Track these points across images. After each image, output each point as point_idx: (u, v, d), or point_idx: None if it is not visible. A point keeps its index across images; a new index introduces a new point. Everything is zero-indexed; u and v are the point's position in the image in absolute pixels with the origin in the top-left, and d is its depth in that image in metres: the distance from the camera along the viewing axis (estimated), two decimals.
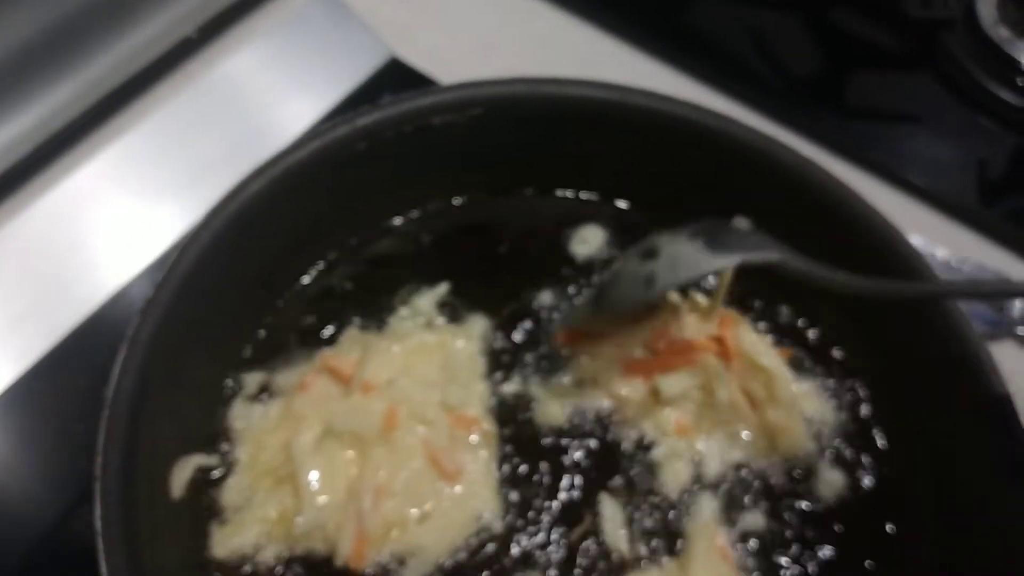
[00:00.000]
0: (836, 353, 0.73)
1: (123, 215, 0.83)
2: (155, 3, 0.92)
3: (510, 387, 0.70)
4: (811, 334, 0.74)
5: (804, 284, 0.60)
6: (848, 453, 0.68)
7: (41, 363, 0.73)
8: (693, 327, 0.70)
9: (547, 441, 0.68)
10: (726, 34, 1.07)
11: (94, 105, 0.88)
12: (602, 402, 0.69)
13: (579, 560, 0.63)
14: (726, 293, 0.68)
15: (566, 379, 0.70)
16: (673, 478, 0.66)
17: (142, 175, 0.85)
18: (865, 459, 0.68)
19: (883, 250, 0.67)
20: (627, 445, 0.68)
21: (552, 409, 0.68)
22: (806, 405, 0.69)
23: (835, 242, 0.67)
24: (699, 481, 0.66)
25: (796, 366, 0.71)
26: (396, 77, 0.97)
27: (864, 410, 0.70)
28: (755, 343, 0.68)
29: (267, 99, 0.94)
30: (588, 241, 0.78)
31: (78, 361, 0.73)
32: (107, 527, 0.51)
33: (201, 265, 0.62)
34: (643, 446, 0.68)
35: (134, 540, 0.53)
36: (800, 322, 0.74)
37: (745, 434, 0.67)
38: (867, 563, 0.64)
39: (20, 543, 0.65)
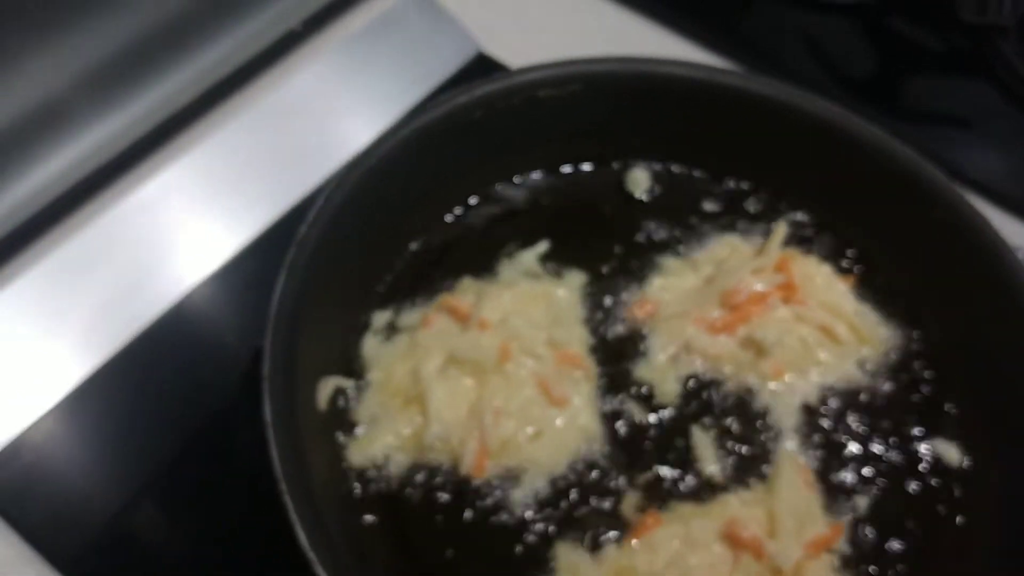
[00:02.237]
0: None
1: (209, 213, 0.87)
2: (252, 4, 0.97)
3: (609, 333, 0.76)
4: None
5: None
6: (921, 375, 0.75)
7: (114, 360, 0.77)
8: (760, 276, 0.77)
9: (641, 386, 0.74)
10: (783, 37, 1.12)
11: (181, 108, 0.93)
12: (697, 364, 0.76)
13: (672, 483, 0.69)
14: (783, 235, 0.77)
15: (662, 355, 0.75)
16: (781, 416, 0.72)
17: (228, 175, 0.89)
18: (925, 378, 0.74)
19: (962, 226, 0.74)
20: (730, 395, 0.74)
21: (667, 387, 0.74)
22: (872, 329, 0.76)
23: (899, 201, 0.76)
24: (800, 414, 0.73)
25: (861, 291, 0.79)
26: (483, 71, 1.03)
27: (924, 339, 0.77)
28: (815, 277, 0.76)
29: (355, 96, 0.99)
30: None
31: (150, 359, 0.78)
32: (275, 421, 0.59)
33: (341, 211, 0.70)
34: (747, 393, 0.74)
35: (296, 437, 0.61)
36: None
37: (826, 360, 0.74)
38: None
39: (79, 535, 0.69)
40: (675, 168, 0.87)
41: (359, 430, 0.70)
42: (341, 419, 0.70)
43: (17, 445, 0.73)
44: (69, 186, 0.86)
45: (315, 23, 1.05)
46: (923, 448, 0.72)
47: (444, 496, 0.67)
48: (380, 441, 0.68)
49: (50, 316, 0.79)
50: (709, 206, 0.85)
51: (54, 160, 0.84)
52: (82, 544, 0.69)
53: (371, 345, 0.74)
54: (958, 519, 0.69)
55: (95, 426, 0.75)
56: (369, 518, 0.66)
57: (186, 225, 0.87)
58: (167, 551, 0.71)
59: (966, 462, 0.71)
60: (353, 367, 0.73)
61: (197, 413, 0.76)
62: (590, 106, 0.82)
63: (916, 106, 1.07)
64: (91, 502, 0.71)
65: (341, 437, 0.69)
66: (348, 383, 0.71)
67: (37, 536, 0.69)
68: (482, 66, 1.04)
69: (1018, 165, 1.01)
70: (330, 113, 0.98)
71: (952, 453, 0.71)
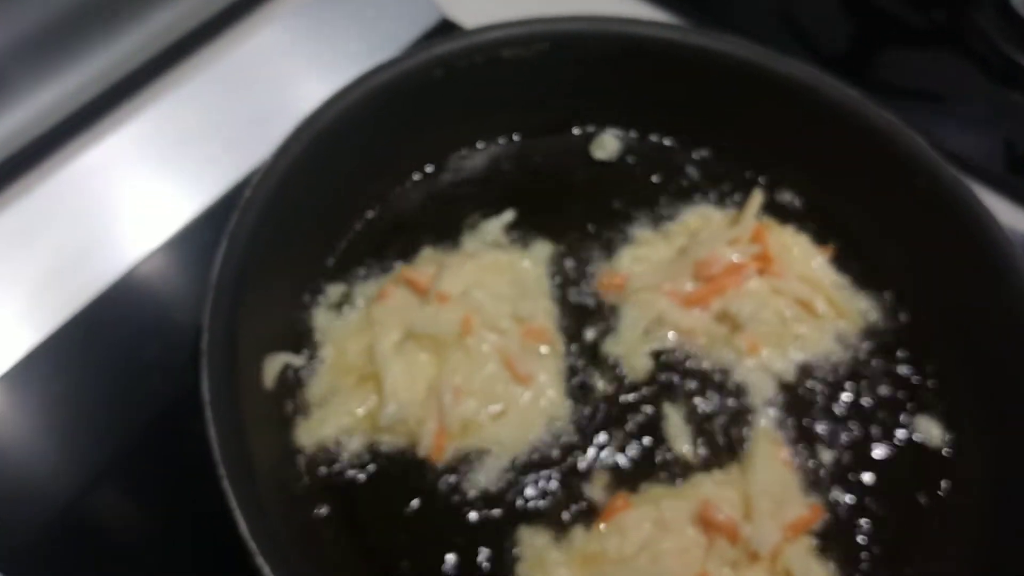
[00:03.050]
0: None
1: (160, 179, 0.83)
2: None
3: (577, 306, 0.72)
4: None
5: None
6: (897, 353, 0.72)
7: (62, 329, 0.73)
8: (735, 247, 0.73)
9: (610, 361, 0.70)
10: (755, 6, 1.09)
11: (132, 72, 0.88)
12: (669, 338, 0.72)
13: (643, 464, 0.66)
14: (758, 204, 0.73)
15: (632, 330, 0.71)
16: (757, 393, 0.69)
17: (181, 140, 0.85)
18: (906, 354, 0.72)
19: (937, 188, 0.71)
20: (704, 370, 0.71)
21: (638, 362, 0.70)
22: (850, 302, 0.73)
23: (876, 169, 0.73)
24: (776, 390, 0.69)
25: (839, 263, 0.76)
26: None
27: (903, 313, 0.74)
28: (792, 247, 0.72)
29: (314, 60, 0.95)
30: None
31: (98, 332, 0.74)
32: (214, 399, 0.54)
33: (289, 175, 0.65)
34: (721, 370, 0.71)
35: (237, 417, 0.56)
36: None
37: (804, 334, 0.70)
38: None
39: (37, 517, 0.65)
40: (646, 135, 0.83)
41: (309, 410, 0.65)
42: (290, 399, 0.66)
43: None
44: (12, 152, 0.81)
45: None
46: (904, 425, 0.69)
47: (400, 480, 0.63)
48: (332, 422, 0.64)
49: None
50: (681, 174, 0.81)
51: None
52: (23, 531, 0.65)
53: (323, 319, 0.69)
54: (940, 496, 0.66)
55: (39, 402, 0.70)
56: (319, 504, 0.62)
57: (136, 192, 0.82)
58: (115, 536, 0.67)
59: (948, 439, 0.68)
60: (303, 343, 0.68)
61: (147, 388, 0.72)
62: (557, 68, 0.78)
63: (890, 79, 1.05)
64: (35, 484, 0.67)
65: (289, 418, 0.64)
66: (298, 360, 0.67)
67: None
68: (446, 32, 0.99)
69: (993, 139, 0.99)
70: (287, 78, 0.93)
71: (934, 430, 0.69)
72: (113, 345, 0.74)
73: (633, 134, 0.82)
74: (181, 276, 0.80)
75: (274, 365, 0.65)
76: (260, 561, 0.49)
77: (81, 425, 0.70)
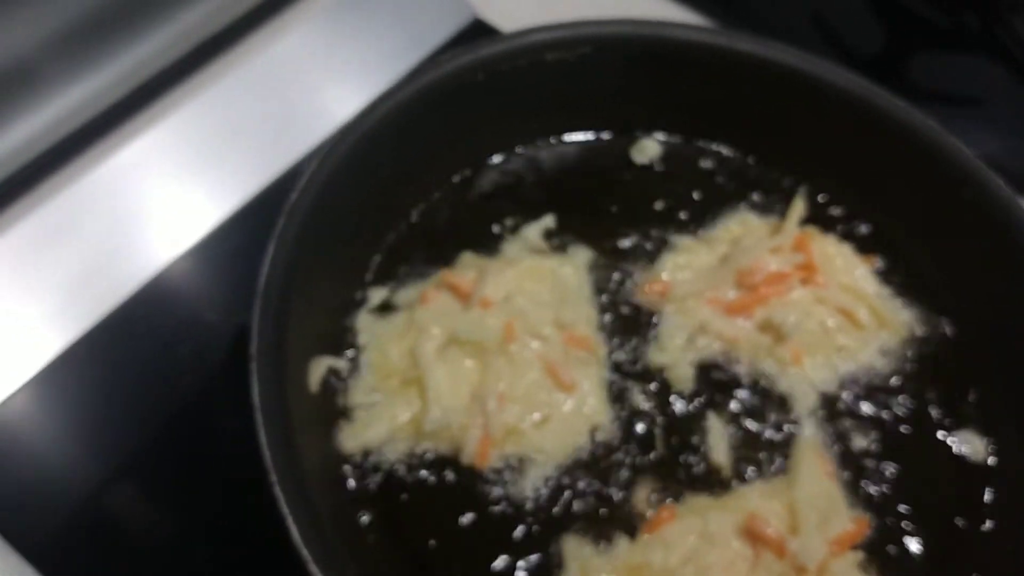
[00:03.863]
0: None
1: (191, 180, 0.83)
2: None
3: (619, 313, 0.72)
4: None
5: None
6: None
7: (91, 333, 0.73)
8: (777, 255, 0.72)
9: (653, 371, 0.70)
10: (788, 11, 1.08)
11: (162, 70, 0.88)
12: (712, 347, 0.71)
13: (687, 474, 0.65)
14: (800, 212, 0.73)
15: (675, 338, 0.71)
16: (801, 403, 0.68)
17: (212, 141, 0.85)
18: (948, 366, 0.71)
19: (982, 196, 0.70)
20: (746, 380, 0.70)
21: (681, 371, 0.70)
22: (894, 314, 0.73)
23: (921, 177, 0.73)
24: (819, 401, 0.69)
25: (882, 273, 0.75)
26: (479, 37, 0.99)
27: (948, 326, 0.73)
28: (835, 257, 0.72)
29: (346, 60, 0.95)
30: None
31: (128, 334, 0.74)
32: (264, 403, 0.54)
33: (334, 178, 0.65)
34: (764, 380, 0.70)
35: (286, 421, 0.55)
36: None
37: (847, 345, 0.70)
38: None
39: (65, 514, 0.65)
40: (687, 139, 0.82)
41: (353, 414, 0.64)
42: (333, 402, 0.65)
43: None
44: (42, 151, 0.81)
45: None
46: (947, 439, 0.68)
47: (444, 487, 0.63)
48: (375, 427, 0.64)
49: (22, 288, 0.74)
50: (722, 180, 0.80)
51: (25, 124, 0.79)
52: (52, 528, 0.65)
53: (366, 322, 0.69)
54: (983, 508, 0.66)
55: (69, 404, 0.70)
56: (364, 509, 0.61)
57: (166, 193, 0.82)
58: (141, 535, 0.66)
59: (991, 454, 0.68)
60: (347, 346, 0.68)
61: (176, 391, 0.72)
62: (599, 71, 0.77)
63: (923, 83, 1.04)
64: (63, 484, 0.67)
65: (333, 422, 0.64)
66: (341, 363, 0.66)
67: (5, 517, 0.65)
68: (478, 32, 0.99)
69: None
70: (319, 77, 0.93)
71: (976, 444, 0.68)
72: (142, 348, 0.74)
73: (674, 138, 0.82)
74: (211, 279, 0.80)
75: (319, 368, 0.64)
76: (313, 569, 0.48)
77: (109, 426, 0.70)
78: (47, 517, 0.65)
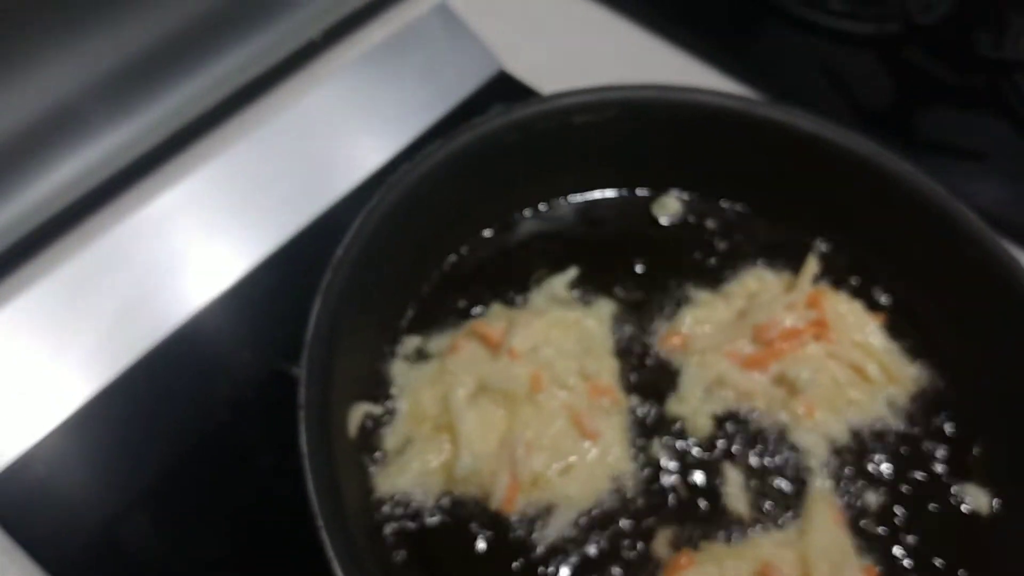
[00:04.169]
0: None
1: (221, 228, 0.85)
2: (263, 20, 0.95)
3: (640, 365, 0.76)
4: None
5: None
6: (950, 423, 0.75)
7: (121, 379, 0.75)
8: (792, 312, 0.76)
9: (675, 415, 0.73)
10: (798, 64, 1.12)
11: (194, 119, 0.91)
12: (729, 399, 0.75)
13: (704, 522, 0.68)
14: (814, 270, 0.77)
15: (694, 390, 0.74)
16: (813, 455, 0.72)
17: (242, 189, 0.88)
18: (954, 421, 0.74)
19: (989, 264, 0.74)
20: (762, 432, 0.73)
21: (699, 422, 0.73)
22: (901, 368, 0.76)
23: (931, 240, 0.76)
24: (830, 453, 0.72)
25: (891, 329, 0.79)
26: (504, 90, 1.02)
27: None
28: (846, 314, 0.76)
29: (373, 111, 0.97)
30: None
31: (159, 380, 0.76)
32: (312, 451, 0.57)
33: (376, 233, 0.69)
34: (778, 432, 0.73)
35: (331, 468, 0.59)
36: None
37: (857, 399, 0.74)
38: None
39: (89, 553, 0.67)
40: (706, 198, 0.86)
41: (388, 458, 0.68)
42: (369, 446, 0.69)
43: (22, 463, 0.70)
44: (76, 197, 0.84)
45: (334, 35, 1.04)
46: (953, 491, 0.71)
47: (474, 530, 0.66)
48: (409, 471, 0.67)
49: (56, 332, 0.77)
50: (740, 238, 0.84)
51: (60, 170, 0.82)
52: (86, 566, 0.67)
53: (400, 370, 0.72)
54: (988, 562, 0.69)
55: (100, 446, 0.73)
56: (398, 549, 0.65)
57: (197, 241, 0.85)
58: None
59: (995, 506, 0.71)
60: (382, 392, 0.71)
61: (205, 436, 0.74)
62: (624, 133, 0.81)
63: (930, 138, 1.08)
64: (95, 523, 0.69)
65: (369, 465, 0.68)
66: (377, 409, 0.70)
67: (41, 555, 0.67)
68: (503, 84, 1.03)
69: None
70: (347, 128, 0.96)
71: (980, 498, 0.71)
72: (174, 391, 0.76)
73: (694, 197, 0.86)
74: (243, 324, 0.82)
75: (357, 414, 0.68)
76: None
77: (140, 468, 0.72)
78: (81, 558, 0.67)
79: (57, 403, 0.74)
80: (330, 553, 0.54)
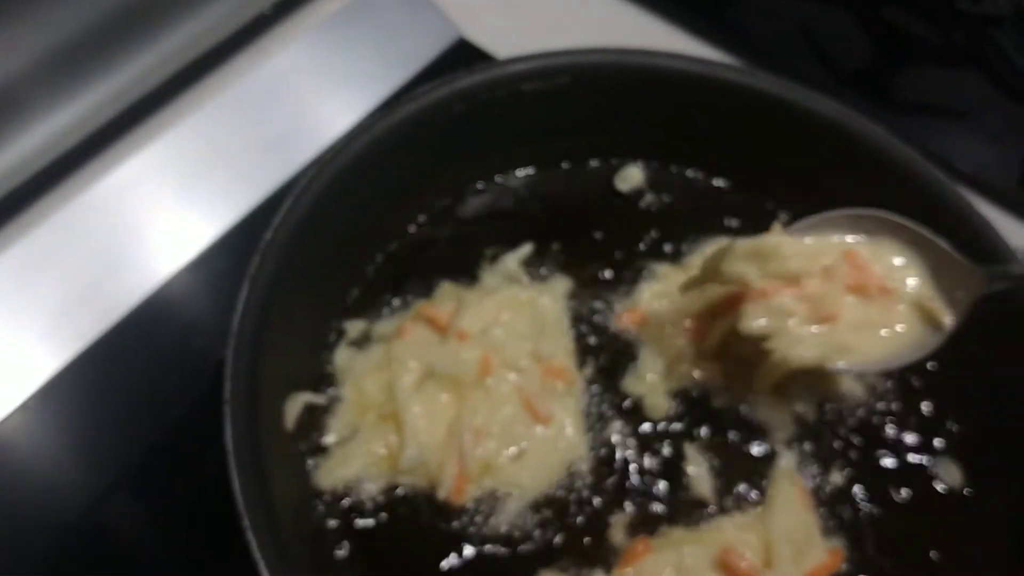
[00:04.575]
0: None
1: (179, 202, 0.83)
2: None
3: (596, 343, 0.72)
4: None
5: None
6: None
7: (84, 354, 0.73)
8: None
9: (629, 401, 0.70)
10: (775, 25, 1.08)
11: (148, 93, 0.88)
12: (689, 378, 0.71)
13: (663, 506, 0.65)
14: None
15: (652, 368, 0.71)
16: (778, 432, 0.69)
17: (199, 163, 0.86)
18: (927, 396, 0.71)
19: (964, 227, 0.70)
20: (724, 410, 0.70)
21: (658, 401, 0.70)
22: None
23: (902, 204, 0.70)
24: (799, 430, 0.69)
25: None
26: (463, 58, 0.99)
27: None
28: None
29: (332, 80, 0.95)
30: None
31: (123, 351, 0.74)
32: (237, 448, 0.54)
33: (310, 214, 0.65)
34: (741, 408, 0.70)
35: (259, 464, 0.56)
36: None
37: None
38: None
39: (46, 531, 0.66)
40: (666, 167, 0.82)
41: (329, 451, 0.65)
42: (309, 438, 0.65)
43: None
44: (31, 174, 0.81)
45: (287, 5, 0.99)
46: (924, 468, 0.68)
47: (421, 523, 0.63)
48: (352, 463, 0.64)
49: (14, 310, 0.75)
50: (702, 207, 0.80)
51: (13, 147, 0.79)
52: (41, 548, 0.65)
53: (344, 356, 0.69)
54: (958, 540, 0.66)
55: (63, 424, 0.71)
56: (339, 548, 0.62)
57: (156, 215, 0.82)
58: (134, 552, 0.67)
59: (967, 483, 0.68)
60: (324, 381, 0.68)
61: (169, 411, 0.72)
62: (578, 100, 0.77)
63: (909, 97, 1.04)
64: (54, 503, 0.67)
65: (309, 458, 0.64)
66: (319, 399, 0.67)
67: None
68: (463, 52, 0.99)
69: (1011, 158, 0.98)
70: (304, 99, 0.93)
71: (954, 475, 0.68)
72: (135, 368, 0.74)
73: (656, 166, 0.82)
74: (201, 300, 0.80)
75: (295, 405, 0.65)
76: None
77: (101, 446, 0.70)
78: (38, 538, 0.66)
79: (16, 382, 0.72)
80: (256, 555, 0.51)
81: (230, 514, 0.53)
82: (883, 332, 0.65)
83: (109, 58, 0.83)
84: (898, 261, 0.66)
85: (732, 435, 0.69)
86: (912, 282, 0.66)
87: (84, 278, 0.77)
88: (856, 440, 0.69)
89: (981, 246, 0.70)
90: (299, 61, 0.94)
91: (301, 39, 0.95)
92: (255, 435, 0.57)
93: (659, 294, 0.74)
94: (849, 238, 0.67)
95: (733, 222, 0.79)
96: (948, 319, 0.64)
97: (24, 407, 0.71)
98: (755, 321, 0.63)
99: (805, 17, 1.09)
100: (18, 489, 0.67)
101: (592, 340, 0.73)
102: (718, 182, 0.82)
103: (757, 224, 0.77)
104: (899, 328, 0.65)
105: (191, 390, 0.73)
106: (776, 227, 0.74)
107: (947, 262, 0.64)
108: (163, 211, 0.82)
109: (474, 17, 1.02)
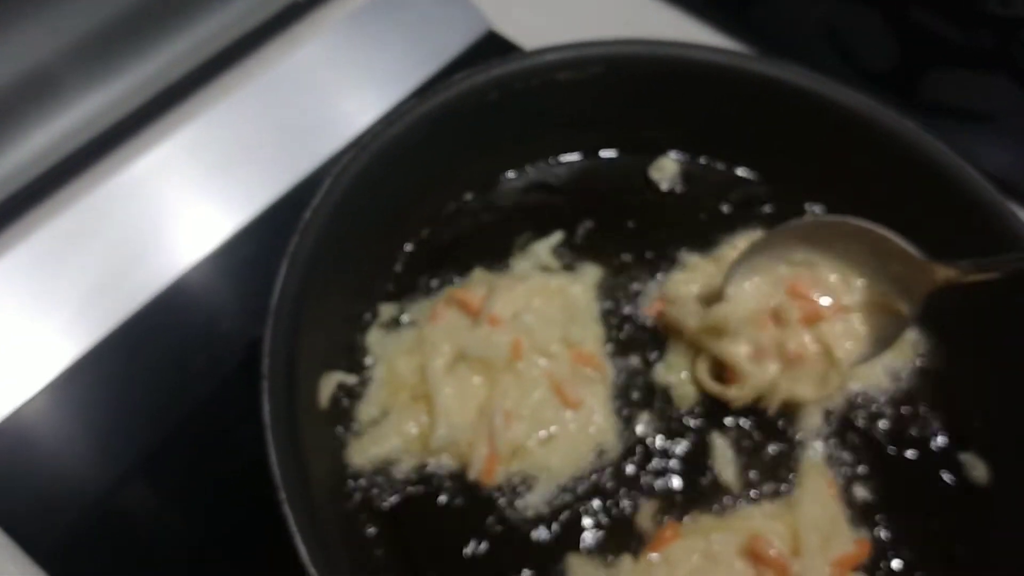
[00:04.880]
0: None
1: (206, 190, 0.84)
2: None
3: (626, 332, 0.73)
4: None
5: None
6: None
7: (107, 339, 0.74)
8: None
9: (658, 389, 0.71)
10: (801, 25, 1.08)
11: (177, 81, 0.89)
12: None
13: (691, 493, 0.66)
14: None
15: (684, 356, 0.71)
16: (806, 423, 0.69)
17: (226, 151, 0.86)
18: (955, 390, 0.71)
19: (991, 221, 0.70)
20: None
21: (686, 390, 0.71)
22: None
23: (931, 200, 0.72)
24: (827, 421, 0.69)
25: None
26: (493, 50, 0.99)
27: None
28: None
29: (360, 72, 0.96)
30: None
31: (143, 342, 0.75)
32: (275, 422, 0.55)
33: (348, 196, 0.66)
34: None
35: (295, 440, 0.56)
36: None
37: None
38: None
39: (68, 517, 0.66)
40: (703, 159, 0.83)
41: (361, 430, 0.65)
42: (342, 417, 0.66)
43: (3, 427, 0.69)
44: (59, 160, 0.82)
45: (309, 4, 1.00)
46: (950, 461, 0.69)
47: (450, 503, 0.64)
48: (384, 442, 0.65)
49: (39, 295, 0.75)
50: (734, 198, 0.81)
51: (42, 132, 0.80)
52: (64, 533, 0.66)
53: (376, 338, 0.70)
54: (984, 534, 0.66)
55: (84, 409, 0.71)
56: (371, 523, 0.62)
57: (181, 203, 0.83)
58: (153, 541, 0.67)
59: (993, 477, 0.68)
60: (356, 361, 0.69)
61: (190, 399, 0.73)
62: (612, 91, 0.78)
63: (936, 99, 1.04)
64: (76, 489, 0.68)
65: (342, 435, 0.65)
66: (351, 378, 0.67)
67: (17, 521, 0.66)
68: (492, 44, 1.00)
69: None
70: (333, 89, 0.94)
71: (980, 469, 0.68)
72: (157, 355, 0.75)
73: (691, 157, 0.82)
74: (227, 287, 0.80)
75: (329, 384, 0.65)
76: None
77: (123, 432, 0.71)
78: (59, 521, 0.66)
79: (40, 367, 0.72)
80: (292, 528, 0.51)
81: (256, 496, 0.53)
82: (848, 344, 0.68)
83: (140, 45, 0.84)
84: (834, 277, 0.70)
85: (759, 426, 0.69)
86: (859, 285, 0.69)
87: (109, 264, 0.78)
88: (882, 433, 0.69)
89: (1010, 245, 0.69)
90: (327, 52, 0.95)
91: (330, 30, 0.96)
92: (292, 411, 0.57)
93: (689, 284, 0.74)
94: (785, 269, 0.70)
95: (765, 214, 0.79)
96: (904, 308, 0.66)
97: (47, 390, 0.71)
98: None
99: (831, 17, 1.09)
100: (40, 473, 0.68)
101: (622, 328, 0.73)
102: (749, 174, 0.82)
103: (789, 216, 0.78)
104: (863, 330, 0.68)
105: (214, 377, 0.74)
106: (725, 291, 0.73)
107: (902, 257, 0.65)
108: (189, 199, 0.83)
109: (504, 10, 1.02)
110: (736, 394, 0.68)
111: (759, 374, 0.67)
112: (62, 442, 0.70)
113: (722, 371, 0.69)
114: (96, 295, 0.76)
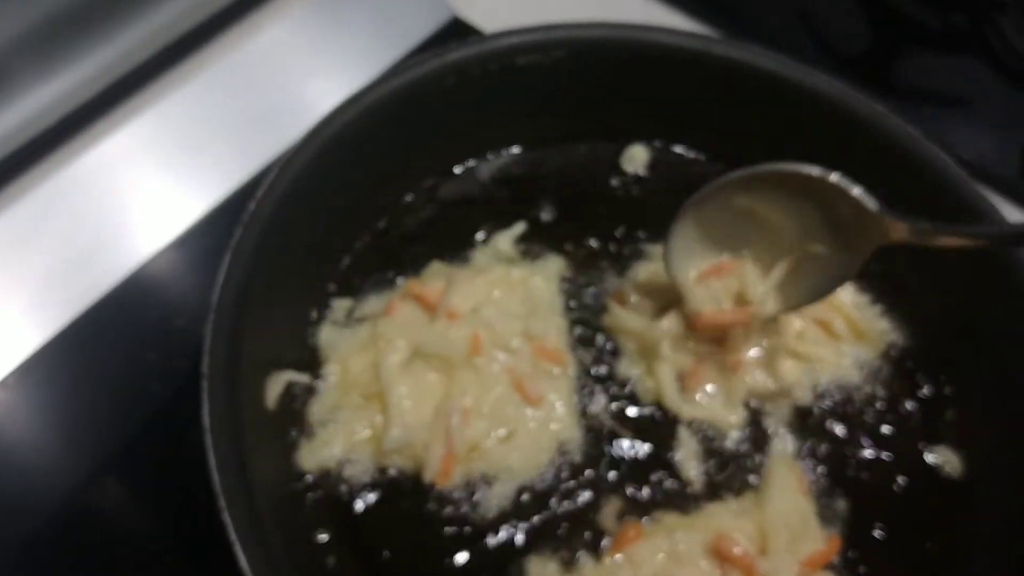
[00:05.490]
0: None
1: (167, 177, 0.82)
2: None
3: (589, 325, 0.71)
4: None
5: None
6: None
7: (66, 331, 0.72)
8: None
9: (625, 378, 0.68)
10: (773, 9, 1.06)
11: (137, 66, 0.87)
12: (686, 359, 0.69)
13: (656, 490, 0.64)
14: None
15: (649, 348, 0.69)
16: (773, 416, 0.67)
17: (188, 137, 0.84)
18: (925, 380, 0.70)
19: (963, 204, 0.68)
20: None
21: (650, 386, 0.69)
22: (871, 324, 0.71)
23: (903, 185, 0.69)
24: (793, 414, 0.67)
25: (860, 282, 0.73)
26: (457, 37, 0.96)
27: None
28: None
29: (323, 57, 0.93)
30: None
31: (105, 329, 0.73)
32: (215, 425, 0.52)
33: (296, 186, 0.63)
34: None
35: (238, 443, 0.54)
36: None
37: (822, 356, 0.69)
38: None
39: (39, 509, 0.64)
40: (670, 147, 0.80)
41: (312, 431, 0.63)
42: (293, 418, 0.63)
43: None
44: (15, 148, 0.79)
45: None
46: (922, 452, 0.67)
47: (407, 506, 0.61)
48: (335, 444, 0.62)
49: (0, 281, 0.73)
50: (695, 186, 0.78)
51: (1, 119, 0.77)
52: (23, 526, 0.64)
53: (328, 335, 0.67)
54: (957, 525, 0.64)
55: (44, 401, 0.70)
56: (322, 528, 0.60)
57: (143, 190, 0.81)
58: (113, 534, 0.65)
59: (965, 467, 0.66)
60: (308, 360, 0.66)
61: (152, 390, 0.71)
62: (576, 77, 0.75)
63: (909, 83, 1.03)
64: (36, 480, 0.66)
65: (292, 440, 0.62)
66: (302, 377, 0.65)
67: None
68: (457, 31, 0.98)
69: (1011, 146, 0.97)
70: (296, 75, 0.91)
71: (953, 462, 0.66)
72: (117, 345, 0.73)
73: (658, 146, 0.80)
74: (186, 277, 0.78)
75: (277, 384, 0.63)
76: None
77: (83, 423, 0.69)
78: (18, 513, 0.64)
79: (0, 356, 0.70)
80: (232, 536, 0.49)
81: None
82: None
83: (98, 30, 0.82)
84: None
85: (726, 419, 0.67)
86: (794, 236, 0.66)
87: (67, 254, 0.76)
88: (853, 426, 0.67)
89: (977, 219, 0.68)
90: (290, 37, 0.93)
91: (293, 15, 0.93)
92: (234, 412, 0.55)
93: (653, 275, 0.72)
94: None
95: None
96: (846, 259, 0.63)
97: (6, 381, 0.69)
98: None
99: (805, 2, 1.07)
100: None
101: (585, 321, 0.71)
102: (720, 162, 0.80)
103: None
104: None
105: (175, 369, 0.71)
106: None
107: (853, 208, 0.62)
108: (149, 187, 0.81)
109: None
110: (689, 411, 0.66)
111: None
112: (23, 432, 0.69)
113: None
114: (54, 286, 0.74)
